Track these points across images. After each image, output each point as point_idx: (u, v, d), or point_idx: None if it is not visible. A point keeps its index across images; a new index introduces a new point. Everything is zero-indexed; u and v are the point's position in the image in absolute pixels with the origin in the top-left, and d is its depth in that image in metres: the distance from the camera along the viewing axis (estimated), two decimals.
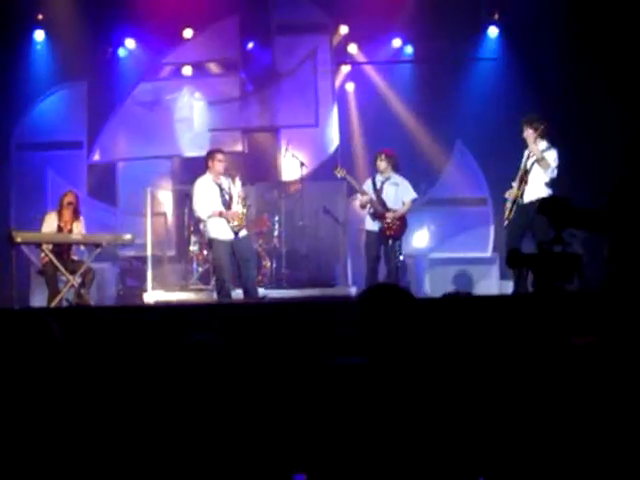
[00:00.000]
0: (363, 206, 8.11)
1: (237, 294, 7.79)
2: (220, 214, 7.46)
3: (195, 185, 7.62)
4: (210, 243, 7.70)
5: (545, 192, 7.29)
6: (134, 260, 9.79)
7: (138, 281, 9.66)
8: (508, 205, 7.46)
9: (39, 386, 2.55)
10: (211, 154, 7.74)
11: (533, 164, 7.34)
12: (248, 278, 7.55)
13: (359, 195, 8.22)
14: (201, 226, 7.86)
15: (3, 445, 2.44)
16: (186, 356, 2.61)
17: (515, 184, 7.43)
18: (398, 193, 8.07)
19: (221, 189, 7.59)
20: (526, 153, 7.51)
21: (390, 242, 7.91)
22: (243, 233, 7.61)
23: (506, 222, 7.52)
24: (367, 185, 8.15)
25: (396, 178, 8.11)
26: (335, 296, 8.88)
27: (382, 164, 8.03)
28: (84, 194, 9.96)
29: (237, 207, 7.58)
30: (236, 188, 7.67)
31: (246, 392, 2.63)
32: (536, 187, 7.32)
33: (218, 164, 7.58)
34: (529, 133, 7.40)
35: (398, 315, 2.54)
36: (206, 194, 7.53)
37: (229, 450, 2.48)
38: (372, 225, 8.04)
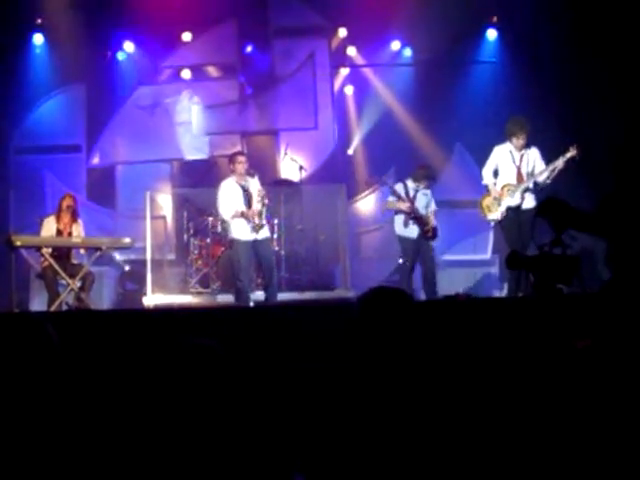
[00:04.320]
0: (405, 212, 8.05)
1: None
2: (242, 214, 7.60)
3: (220, 188, 7.76)
4: (231, 243, 7.85)
5: (535, 198, 7.43)
6: (134, 263, 9.78)
7: (138, 285, 9.66)
8: (501, 209, 7.42)
9: (38, 391, 2.55)
10: (232, 157, 7.89)
11: (549, 176, 7.32)
12: (270, 283, 7.71)
13: (392, 200, 8.11)
14: (226, 226, 8.02)
15: (2, 449, 2.43)
16: (186, 359, 2.61)
17: (516, 190, 7.36)
18: (428, 202, 8.23)
19: (244, 190, 7.71)
20: (519, 156, 7.43)
21: (426, 244, 8.10)
22: (264, 234, 7.71)
23: (493, 224, 7.79)
24: (399, 189, 8.15)
25: (426, 190, 8.26)
26: (334, 299, 8.88)
27: (424, 181, 8.17)
28: (83, 198, 9.94)
29: (256, 205, 7.67)
30: (255, 186, 7.76)
31: (246, 395, 2.62)
32: (535, 194, 7.42)
33: (239, 166, 7.70)
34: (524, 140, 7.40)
35: (397, 317, 2.54)
36: (229, 196, 7.68)
37: (230, 453, 2.48)
38: (409, 232, 8.05)
